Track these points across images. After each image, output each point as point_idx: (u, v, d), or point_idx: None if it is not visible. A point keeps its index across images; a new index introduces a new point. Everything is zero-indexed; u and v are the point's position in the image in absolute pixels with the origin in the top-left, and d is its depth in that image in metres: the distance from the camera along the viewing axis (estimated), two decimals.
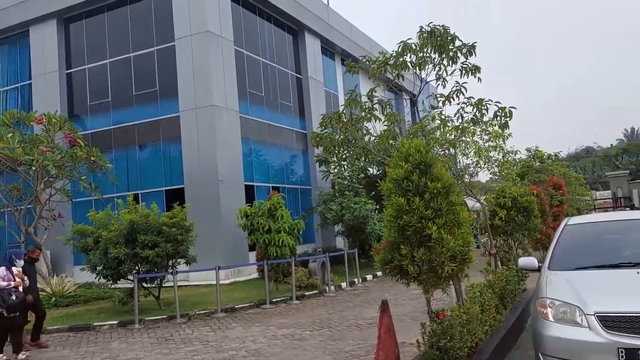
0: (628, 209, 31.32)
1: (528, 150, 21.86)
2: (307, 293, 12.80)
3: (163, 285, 12.02)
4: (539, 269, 5.96)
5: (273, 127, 21.34)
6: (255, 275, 16.25)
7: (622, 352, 4.27)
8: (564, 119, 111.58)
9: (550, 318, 4.84)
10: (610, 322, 4.43)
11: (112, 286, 12.66)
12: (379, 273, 15.46)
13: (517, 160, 19.02)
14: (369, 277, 15.78)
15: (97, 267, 11.48)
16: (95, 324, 10.40)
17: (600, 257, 5.60)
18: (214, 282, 11.39)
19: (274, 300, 11.92)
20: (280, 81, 22.35)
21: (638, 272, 5.08)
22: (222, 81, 18.02)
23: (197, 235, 12.13)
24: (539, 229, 10.55)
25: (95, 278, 12.09)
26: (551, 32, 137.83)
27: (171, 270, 11.41)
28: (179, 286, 11.38)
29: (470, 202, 10.46)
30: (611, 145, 68.64)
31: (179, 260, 11.91)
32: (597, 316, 4.51)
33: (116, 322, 10.45)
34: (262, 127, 20.71)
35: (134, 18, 19.71)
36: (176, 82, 18.25)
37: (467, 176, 9.94)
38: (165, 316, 10.71)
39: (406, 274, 5.65)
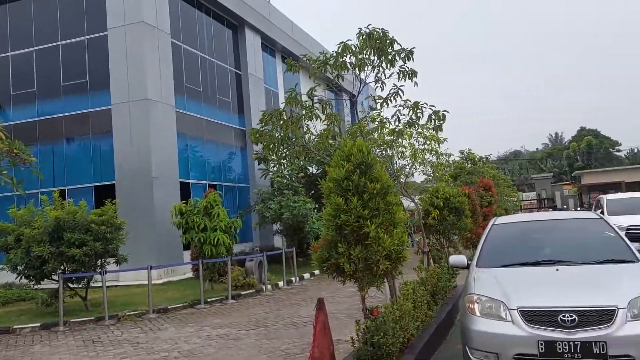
0: (551, 209, 33.32)
1: (461, 152, 22.78)
2: (243, 292, 12.67)
3: (91, 285, 11.49)
4: (468, 267, 6.19)
5: (211, 123, 20.95)
6: (190, 274, 15.89)
7: (541, 344, 4.52)
8: (495, 123, 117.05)
9: (477, 313, 5.04)
10: (531, 316, 4.67)
11: (35, 287, 11.96)
12: (317, 272, 15.57)
13: (451, 162, 19.75)
14: (307, 275, 15.85)
15: (18, 267, 10.81)
16: (16, 326, 9.78)
17: (524, 255, 5.90)
18: (146, 282, 11.03)
19: (209, 300, 11.70)
20: (219, 76, 21.98)
21: (557, 269, 5.40)
22: (158, 74, 17.47)
23: (128, 233, 11.70)
24: (469, 228, 10.99)
25: (16, 278, 11.38)
26: (485, 36, 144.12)
27: (100, 270, 10.93)
28: (108, 286, 10.92)
29: (406, 202, 10.75)
30: (537, 149, 72.76)
31: (108, 259, 11.43)
32: (519, 311, 4.74)
33: (39, 324, 9.88)
34: (199, 123, 20.28)
35: (64, 5, 18.71)
36: (108, 73, 17.49)
37: (403, 177, 10.21)
38: (92, 318, 10.24)
39: (342, 272, 5.73)
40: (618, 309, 4.51)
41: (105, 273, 10.71)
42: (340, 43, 8.00)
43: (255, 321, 9.36)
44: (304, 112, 8.30)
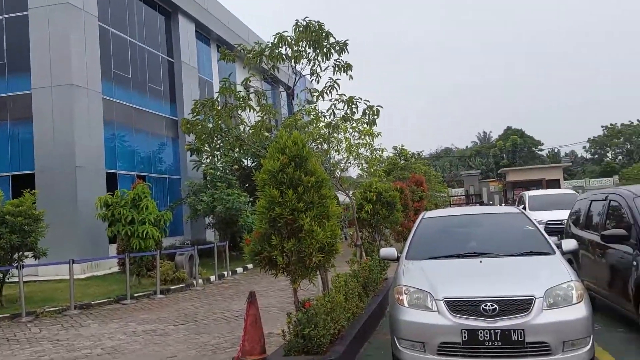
0: (478, 204, 34.88)
1: (395, 148, 23.32)
2: (172, 287, 12.32)
3: (7, 280, 10.75)
4: (398, 259, 6.34)
5: (140, 111, 20.16)
6: (116, 269, 15.24)
7: (464, 332, 4.70)
8: (428, 121, 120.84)
9: (405, 304, 5.17)
10: (455, 306, 4.85)
11: None
12: (250, 265, 15.40)
13: (385, 158, 20.17)
14: (240, 269, 15.65)
15: None
16: None
17: (451, 248, 6.11)
18: (68, 277, 10.46)
19: (135, 295, 11.28)
20: (150, 64, 21.17)
21: (481, 261, 5.64)
22: (83, 59, 16.55)
23: (49, 225, 11.04)
24: (400, 221, 11.27)
25: None
26: (420, 35, 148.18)
27: (16, 264, 10.25)
28: (26, 282, 10.28)
29: (342, 197, 10.86)
30: (467, 147, 75.85)
31: (26, 253, 10.74)
32: (445, 301, 4.91)
33: None
34: (128, 111, 19.45)
35: None
36: (28, 56, 16.37)
37: (338, 171, 10.29)
38: (7, 315, 9.59)
39: (275, 264, 5.69)
40: (535, 298, 4.76)
41: (23, 267, 10.06)
42: (276, 34, 7.92)
43: (185, 316, 9.13)
44: (237, 102, 8.14)
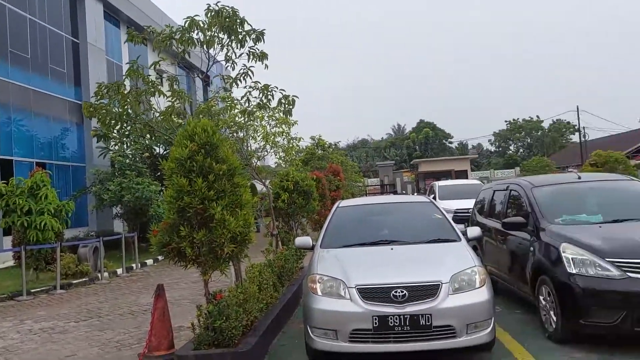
0: (392, 194, 36.00)
1: (312, 138, 23.43)
2: (75, 281, 11.55)
3: None
4: (313, 248, 6.34)
5: (40, 94, 18.65)
6: (11, 262, 14.05)
7: (375, 319, 4.77)
8: (346, 111, 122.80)
9: (319, 292, 5.17)
10: (367, 293, 4.91)
11: None
12: (161, 257, 14.81)
13: (302, 147, 20.17)
14: (150, 262, 15.01)
15: None
16: None
17: (364, 236, 6.19)
18: None
19: (32, 290, 10.45)
20: (52, 44, 19.62)
21: (392, 249, 5.76)
22: None
23: None
24: (317, 210, 11.32)
25: None
26: (339, 27, 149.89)
27: None
28: None
29: (260, 186, 10.69)
30: (382, 138, 77.98)
31: None
32: (357, 288, 4.96)
33: None
34: (25, 94, 17.92)
35: None
36: None
37: (255, 159, 10.11)
38: None
39: (184, 256, 5.47)
40: (442, 283, 4.93)
41: None
42: (188, 17, 7.57)
43: (87, 312, 8.58)
44: (146, 87, 7.70)
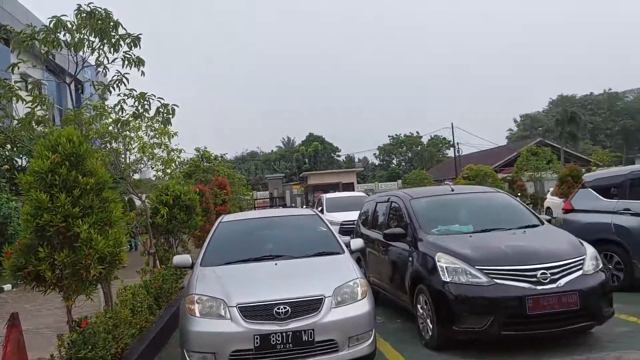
0: (281, 207, 36.00)
1: (197, 150, 22.65)
2: None
3: None
4: (192, 266, 6.02)
5: None
6: None
7: (257, 338, 4.61)
8: (236, 124, 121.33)
9: (197, 314, 4.91)
10: (248, 311, 4.75)
11: None
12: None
13: (185, 160, 19.43)
14: (8, 287, 13.39)
15: None
16: None
17: (247, 252, 6.01)
18: None
19: None
20: None
21: (276, 264, 5.64)
22: None
23: None
24: (199, 226, 10.87)
25: None
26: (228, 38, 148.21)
27: None
28: None
29: (139, 201, 10.01)
30: (272, 151, 78.12)
31: None
32: (238, 307, 4.77)
33: None
34: None
35: None
36: None
37: (131, 172, 9.46)
38: None
39: (44, 280, 4.89)
40: (325, 297, 4.90)
41: None
42: (53, 17, 6.89)
43: None
44: (1, 90, 6.86)
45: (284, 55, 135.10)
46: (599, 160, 31.29)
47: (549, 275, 5.22)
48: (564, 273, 5.30)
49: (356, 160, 75.33)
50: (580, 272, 5.39)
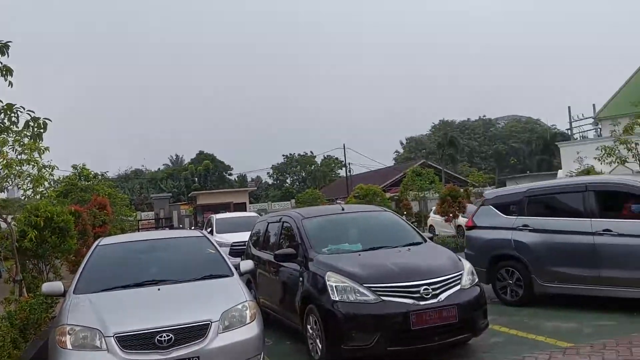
0: (168, 228, 34.42)
1: (74, 167, 20.98)
2: None
3: None
4: (65, 294, 5.51)
5: None
6: None
7: None
8: (118, 141, 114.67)
9: (69, 346, 4.50)
10: (127, 341, 4.44)
11: None
12: None
13: (61, 177, 17.93)
14: None
15: None
16: None
17: (127, 277, 5.63)
18: None
19: None
20: None
21: (159, 289, 5.32)
22: None
23: None
24: (74, 250, 10.01)
25: None
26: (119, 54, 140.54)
27: None
28: None
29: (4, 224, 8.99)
30: (159, 169, 74.86)
31: None
32: (115, 337, 4.44)
33: None
34: None
35: None
36: None
37: None
38: None
39: None
40: (212, 322, 4.71)
41: None
42: None
43: None
44: None
45: (174, 68, 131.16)
46: (475, 181, 33.86)
47: (430, 290, 5.46)
48: (444, 288, 5.57)
49: (249, 179, 74.86)
50: (458, 287, 5.69)
